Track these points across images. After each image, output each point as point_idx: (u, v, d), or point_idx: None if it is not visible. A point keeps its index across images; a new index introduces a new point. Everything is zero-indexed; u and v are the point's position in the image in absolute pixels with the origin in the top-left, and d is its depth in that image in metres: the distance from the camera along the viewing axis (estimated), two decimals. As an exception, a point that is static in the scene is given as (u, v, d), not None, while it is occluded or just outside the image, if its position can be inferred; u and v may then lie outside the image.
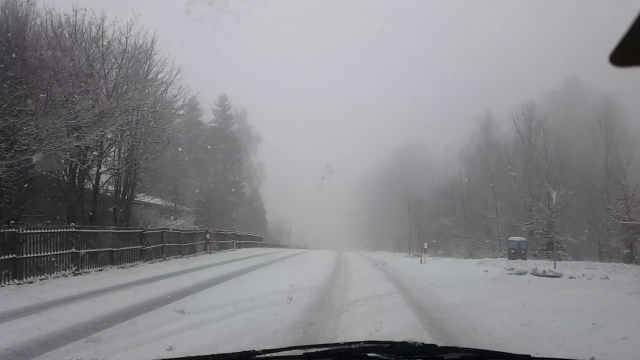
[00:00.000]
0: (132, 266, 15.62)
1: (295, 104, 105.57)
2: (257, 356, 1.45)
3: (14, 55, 13.35)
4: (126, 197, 21.88)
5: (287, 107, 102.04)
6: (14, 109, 12.74)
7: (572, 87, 37.92)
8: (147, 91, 21.41)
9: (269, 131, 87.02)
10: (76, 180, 17.96)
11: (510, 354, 1.72)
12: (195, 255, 22.42)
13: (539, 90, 37.45)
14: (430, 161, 58.16)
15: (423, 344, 1.61)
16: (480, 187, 35.81)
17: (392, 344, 1.61)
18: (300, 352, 1.50)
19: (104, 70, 18.18)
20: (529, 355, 1.59)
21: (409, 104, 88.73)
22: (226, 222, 57.27)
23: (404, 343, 1.62)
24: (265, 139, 77.28)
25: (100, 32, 17.89)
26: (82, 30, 17.26)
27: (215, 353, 1.48)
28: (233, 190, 58.50)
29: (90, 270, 13.59)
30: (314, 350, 1.54)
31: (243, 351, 1.50)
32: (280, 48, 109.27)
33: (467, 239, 29.75)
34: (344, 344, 1.64)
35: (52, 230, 12.33)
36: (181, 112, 22.27)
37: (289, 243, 70.36)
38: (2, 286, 10.18)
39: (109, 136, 17.62)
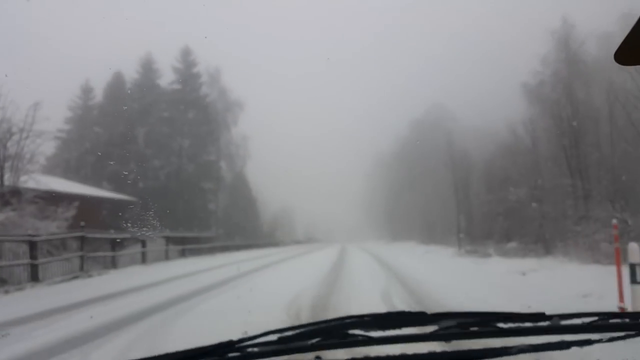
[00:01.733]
0: None
1: (293, 68, 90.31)
2: (236, 345, 1.29)
3: None
4: None
5: (282, 71, 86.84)
6: None
7: None
8: None
9: (258, 99, 72.89)
10: None
11: (517, 313, 1.31)
12: None
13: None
14: (468, 119, 43.34)
15: (410, 312, 1.34)
16: (570, 135, 21.01)
17: (375, 316, 1.36)
18: (275, 336, 1.29)
19: None
20: (544, 313, 1.30)
21: (433, 50, 72.01)
22: (201, 217, 43.41)
23: (388, 314, 1.36)
24: (253, 108, 62.93)
25: None
26: None
27: (193, 347, 1.27)
28: (207, 173, 44.48)
29: None
30: (289, 333, 1.31)
31: (220, 342, 1.29)
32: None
33: (598, 222, 14.73)
34: (322, 322, 1.37)
35: None
36: None
37: (284, 239, 55.99)
38: None
39: None
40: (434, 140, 50.23)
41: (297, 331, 1.34)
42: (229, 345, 1.30)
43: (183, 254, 21.12)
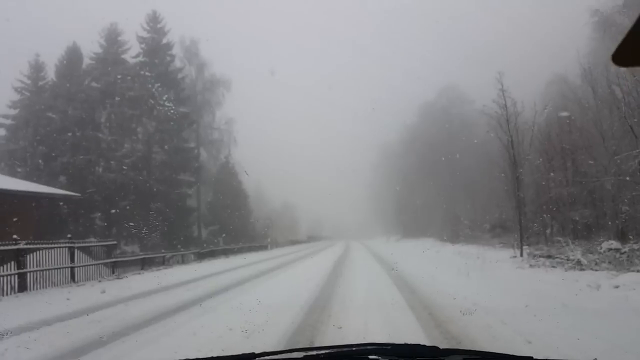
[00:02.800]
0: None
1: (291, 55, 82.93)
2: (257, 359, 1.40)
3: None
4: None
5: (280, 61, 79.60)
6: None
7: None
8: None
9: (252, 86, 65.55)
10: None
11: (513, 355, 1.59)
12: None
13: None
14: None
15: (425, 345, 1.58)
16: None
17: (394, 345, 1.57)
18: (300, 354, 1.47)
19: None
20: (532, 357, 1.52)
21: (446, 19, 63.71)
22: (179, 215, 36.11)
23: (406, 345, 1.59)
24: (245, 95, 55.62)
25: None
26: None
27: (213, 356, 1.40)
28: (183, 162, 37.11)
29: None
30: (314, 352, 1.49)
31: (242, 354, 1.44)
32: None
33: None
34: (345, 346, 1.60)
35: None
36: None
37: (278, 239, 48.52)
38: None
39: None
40: (458, 118, 43.20)
41: (322, 352, 1.48)
42: (249, 359, 1.43)
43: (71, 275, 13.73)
